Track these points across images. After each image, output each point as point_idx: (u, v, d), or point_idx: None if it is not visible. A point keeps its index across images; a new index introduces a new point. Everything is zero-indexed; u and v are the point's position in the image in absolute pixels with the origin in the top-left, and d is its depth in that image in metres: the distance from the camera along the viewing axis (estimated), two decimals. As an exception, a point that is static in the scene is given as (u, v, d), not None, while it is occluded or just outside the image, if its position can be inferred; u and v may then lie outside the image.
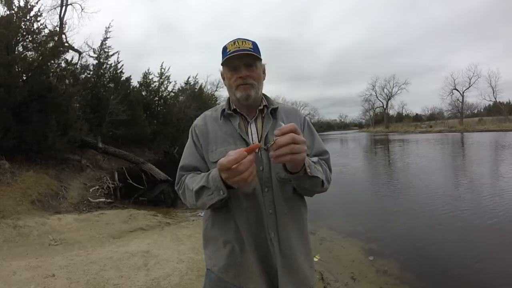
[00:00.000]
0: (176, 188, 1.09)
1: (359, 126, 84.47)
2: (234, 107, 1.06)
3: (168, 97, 22.41)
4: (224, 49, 1.01)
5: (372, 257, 3.27)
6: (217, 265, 1.03)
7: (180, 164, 1.08)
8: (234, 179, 0.78)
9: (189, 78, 28.33)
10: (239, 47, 0.97)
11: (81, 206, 5.91)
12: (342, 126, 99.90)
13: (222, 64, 1.03)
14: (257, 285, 0.98)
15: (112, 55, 16.52)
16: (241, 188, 0.86)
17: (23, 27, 7.71)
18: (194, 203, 0.96)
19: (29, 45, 7.88)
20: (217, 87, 34.03)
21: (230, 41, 1.01)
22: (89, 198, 6.44)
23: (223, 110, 1.06)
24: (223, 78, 1.07)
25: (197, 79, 29.00)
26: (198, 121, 1.12)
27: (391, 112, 61.02)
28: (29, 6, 7.86)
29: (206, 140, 1.04)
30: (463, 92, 43.01)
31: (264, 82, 1.07)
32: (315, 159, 1.00)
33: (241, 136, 1.00)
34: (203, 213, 1.15)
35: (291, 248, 1.00)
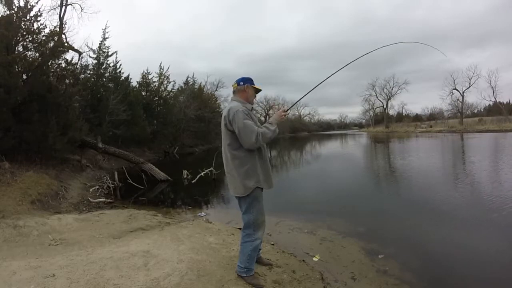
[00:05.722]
0: (255, 140, 2.13)
1: (359, 126, 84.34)
2: (252, 106, 2.45)
3: (168, 97, 22.40)
4: (251, 79, 2.43)
5: (373, 257, 3.27)
6: (264, 181, 2.30)
7: (254, 128, 2.16)
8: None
9: (188, 78, 28.38)
10: (258, 87, 2.49)
11: (81, 206, 5.91)
12: (342, 126, 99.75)
13: (250, 85, 2.40)
14: (271, 185, 2.38)
15: (111, 55, 16.56)
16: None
17: (23, 27, 7.70)
18: (271, 136, 2.23)
19: (29, 45, 7.87)
20: (217, 87, 33.96)
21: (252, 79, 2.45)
22: (89, 198, 6.44)
23: (251, 108, 2.40)
24: (245, 89, 2.39)
25: (195, 78, 28.96)
26: (242, 110, 2.21)
27: (391, 112, 60.87)
28: (29, 6, 7.85)
29: (252, 119, 2.27)
30: (463, 92, 42.98)
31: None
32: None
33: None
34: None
35: None
